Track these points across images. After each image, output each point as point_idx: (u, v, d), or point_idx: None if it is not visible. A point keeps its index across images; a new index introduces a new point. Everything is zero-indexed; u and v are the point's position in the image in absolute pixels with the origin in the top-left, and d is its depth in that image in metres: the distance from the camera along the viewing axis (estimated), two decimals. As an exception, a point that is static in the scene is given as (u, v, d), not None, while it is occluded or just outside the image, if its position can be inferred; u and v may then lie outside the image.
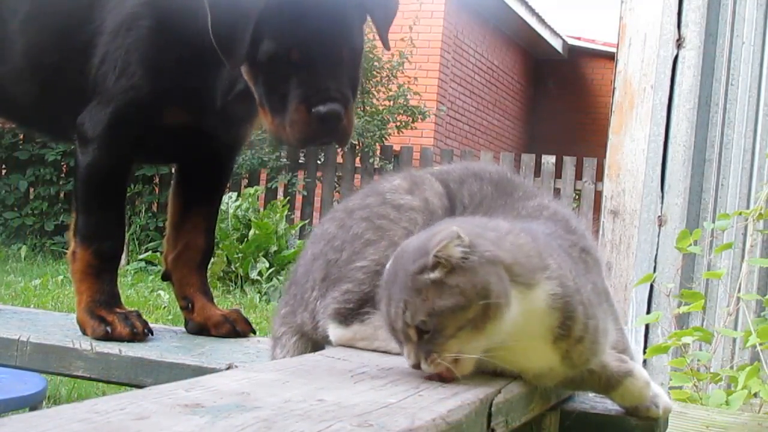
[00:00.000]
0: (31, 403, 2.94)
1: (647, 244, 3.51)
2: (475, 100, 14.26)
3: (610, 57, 11.24)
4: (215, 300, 2.32)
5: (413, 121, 10.51)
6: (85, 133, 2.08)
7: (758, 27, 3.44)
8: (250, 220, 7.31)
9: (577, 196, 9.28)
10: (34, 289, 6.26)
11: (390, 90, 10.41)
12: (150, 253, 7.92)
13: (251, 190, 7.69)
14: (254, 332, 2.25)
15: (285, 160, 9.64)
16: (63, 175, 9.32)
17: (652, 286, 3.45)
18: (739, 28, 3.46)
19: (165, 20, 2.06)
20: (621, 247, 3.59)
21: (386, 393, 1.08)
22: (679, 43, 3.49)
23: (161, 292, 6.30)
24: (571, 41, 16.42)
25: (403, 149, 9.70)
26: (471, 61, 13.97)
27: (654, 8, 3.54)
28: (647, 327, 3.48)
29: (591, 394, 1.50)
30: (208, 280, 2.32)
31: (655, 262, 3.49)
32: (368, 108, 10.05)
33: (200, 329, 2.21)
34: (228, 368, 1.75)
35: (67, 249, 2.18)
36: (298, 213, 9.50)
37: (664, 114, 3.50)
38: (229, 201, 7.32)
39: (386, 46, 2.05)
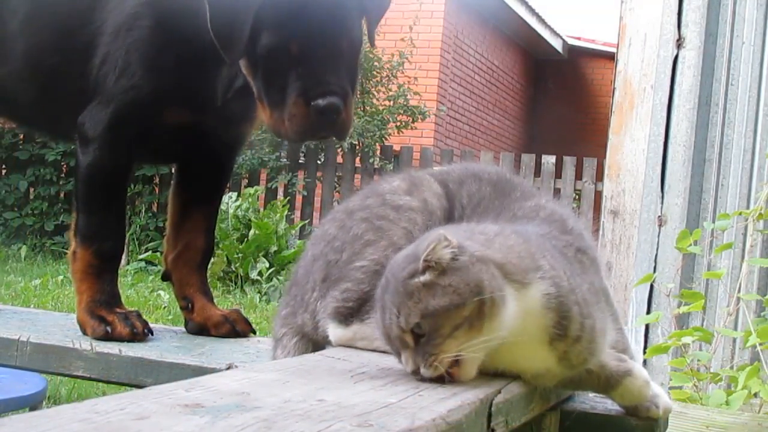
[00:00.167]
0: (31, 403, 2.94)
1: (647, 244, 3.51)
2: (475, 100, 14.26)
3: (610, 57, 11.24)
4: (215, 300, 2.32)
5: (413, 121, 10.51)
6: (86, 133, 2.08)
7: (758, 27, 3.44)
8: (250, 220, 7.31)
9: (577, 196, 9.28)
10: (34, 289, 6.26)
11: (390, 90, 10.41)
12: (150, 253, 7.92)
13: (251, 190, 7.69)
14: (254, 332, 2.25)
15: (285, 160, 9.64)
16: (63, 175, 9.33)
17: (652, 286, 3.45)
18: (739, 28, 3.46)
19: (165, 20, 2.06)
20: (621, 247, 3.59)
21: (386, 393, 1.08)
22: (679, 43, 3.49)
23: (161, 292, 6.30)
24: (571, 41, 16.42)
25: (403, 149, 9.70)
26: (471, 61, 13.98)
27: (654, 8, 3.54)
28: (647, 327, 3.48)
29: (591, 394, 1.50)
30: (208, 280, 2.32)
31: (655, 262, 3.49)
32: (368, 108, 10.05)
33: (200, 329, 2.21)
34: (228, 368, 1.75)
35: (67, 249, 2.18)
36: (298, 213, 9.50)
37: (664, 114, 3.51)
38: (229, 201, 7.32)
39: (372, 43, 2.05)
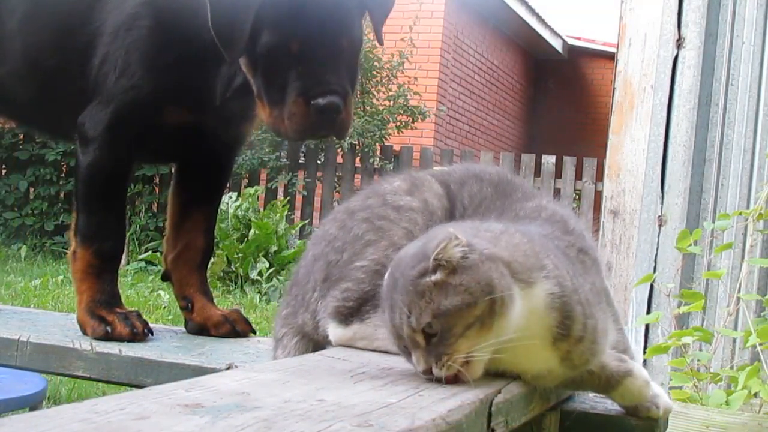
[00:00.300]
0: (31, 403, 2.94)
1: (647, 244, 3.51)
2: (475, 100, 14.26)
3: (610, 57, 11.25)
4: (215, 300, 2.32)
5: (413, 121, 10.51)
6: (86, 133, 2.08)
7: (758, 27, 3.44)
8: (250, 220, 7.31)
9: (577, 196, 9.29)
10: (34, 289, 6.27)
11: (390, 90, 10.41)
12: (150, 253, 7.92)
13: (251, 190, 7.69)
14: (254, 332, 2.25)
15: (285, 160, 9.64)
16: (63, 175, 9.33)
17: (652, 286, 3.45)
18: (739, 28, 3.46)
19: (165, 20, 2.06)
20: (621, 247, 3.59)
21: (386, 393, 1.08)
22: (679, 43, 3.49)
23: (161, 292, 6.30)
24: (571, 41, 16.42)
25: (403, 149, 9.70)
26: (471, 61, 13.98)
27: (654, 8, 3.54)
28: (647, 327, 3.48)
29: (591, 394, 1.50)
30: (208, 280, 2.32)
31: (655, 262, 3.49)
32: (368, 108, 10.05)
33: (200, 329, 2.21)
34: (228, 368, 1.75)
35: (67, 249, 2.18)
36: (298, 213, 9.50)
37: (664, 114, 3.50)
38: (229, 201, 7.32)
39: (380, 41, 2.06)
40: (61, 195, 9.27)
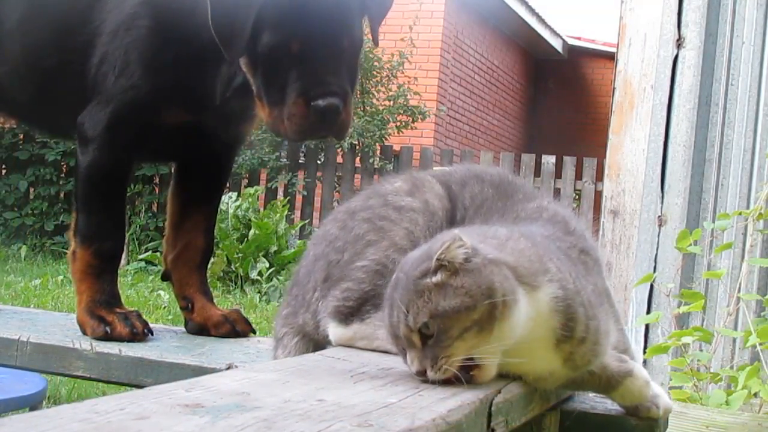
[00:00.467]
0: (31, 403, 2.94)
1: (647, 244, 3.51)
2: (475, 100, 14.26)
3: (610, 57, 11.24)
4: (215, 300, 2.32)
5: (413, 121, 10.51)
6: (85, 133, 2.08)
7: (758, 27, 3.44)
8: (250, 220, 7.31)
9: (577, 196, 9.29)
10: (34, 289, 6.27)
11: (390, 90, 10.41)
12: (150, 253, 7.92)
13: (251, 190, 7.69)
14: (254, 332, 2.25)
15: (285, 160, 9.65)
16: (63, 175, 9.33)
17: (652, 286, 3.45)
18: (739, 28, 3.46)
19: (164, 20, 2.06)
20: (621, 247, 3.59)
21: (386, 393, 1.08)
22: (679, 43, 3.49)
23: (161, 292, 6.30)
24: (571, 41, 16.42)
25: (403, 149, 9.70)
26: (471, 61, 13.98)
27: (654, 8, 3.54)
28: (647, 327, 3.48)
29: (591, 394, 1.50)
30: (208, 280, 2.32)
31: (655, 262, 3.49)
32: (368, 108, 10.05)
33: (200, 329, 2.21)
34: (228, 368, 1.75)
35: (67, 249, 2.18)
36: (298, 213, 9.50)
37: (664, 114, 3.51)
38: (229, 201, 7.32)
39: (375, 42, 2.05)
40: (61, 195, 9.27)
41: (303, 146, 9.59)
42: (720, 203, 3.46)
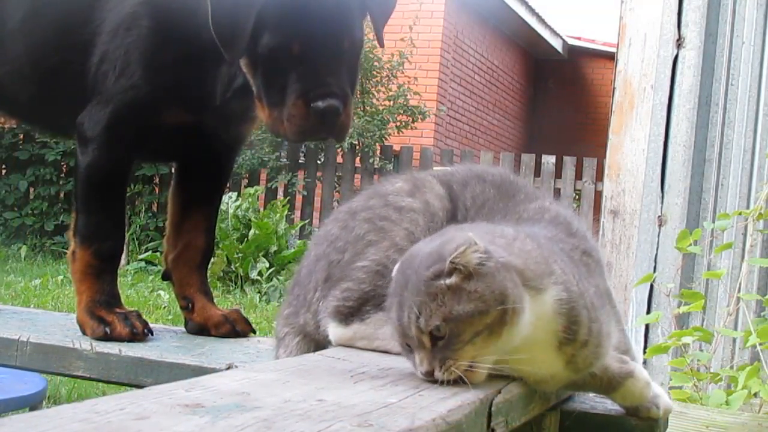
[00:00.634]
0: (31, 403, 2.94)
1: (647, 244, 3.51)
2: (475, 100, 14.26)
3: (610, 57, 11.24)
4: (215, 300, 2.32)
5: (413, 121, 10.51)
6: (85, 133, 2.08)
7: (758, 27, 3.44)
8: (250, 220, 7.31)
9: (577, 196, 9.29)
10: (34, 289, 6.27)
11: (390, 90, 10.41)
12: (150, 253, 7.92)
13: (251, 190, 7.69)
14: (254, 332, 2.25)
15: (285, 160, 9.65)
16: (63, 175, 9.33)
17: (652, 286, 3.45)
18: (739, 28, 3.46)
19: (164, 20, 2.06)
20: (621, 247, 3.59)
21: (386, 393, 1.08)
22: (679, 43, 3.49)
23: (161, 292, 6.30)
24: (571, 41, 16.42)
25: (403, 149, 9.70)
26: (471, 61, 13.98)
27: (654, 8, 3.54)
28: (647, 327, 3.48)
29: (591, 394, 1.50)
30: (208, 280, 2.32)
31: (655, 262, 3.49)
32: (368, 108, 10.05)
33: (200, 329, 2.21)
34: (228, 368, 1.75)
35: (67, 249, 2.18)
36: (298, 213, 9.50)
37: (664, 114, 3.51)
38: (229, 201, 7.32)
39: (381, 43, 2.05)
40: (61, 195, 9.27)
41: (303, 146, 9.59)
42: (720, 203, 3.46)
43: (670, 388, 2.77)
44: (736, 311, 3.12)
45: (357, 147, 9.65)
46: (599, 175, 7.72)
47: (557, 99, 16.49)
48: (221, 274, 7.10)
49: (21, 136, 9.34)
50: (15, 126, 8.73)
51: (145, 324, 2.06)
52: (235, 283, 7.08)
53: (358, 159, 9.68)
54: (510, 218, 1.42)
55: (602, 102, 15.17)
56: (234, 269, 7.12)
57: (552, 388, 1.31)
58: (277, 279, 7.03)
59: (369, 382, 1.14)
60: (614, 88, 3.63)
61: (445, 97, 13.00)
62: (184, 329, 2.25)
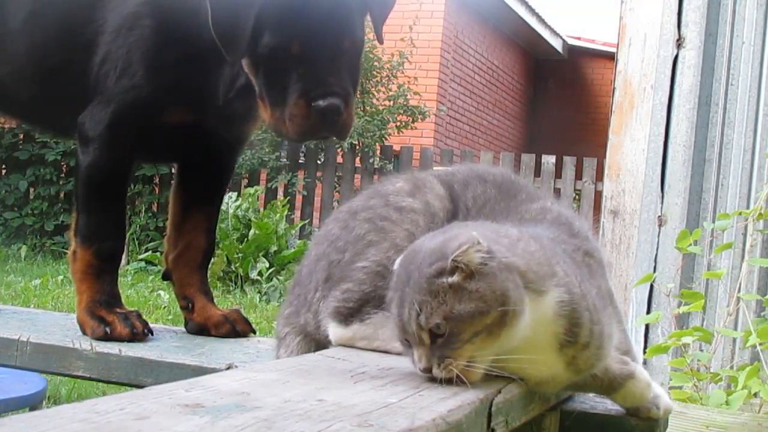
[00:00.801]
0: (31, 403, 2.94)
1: (647, 244, 3.51)
2: (475, 100, 14.26)
3: (610, 57, 11.24)
4: (215, 300, 2.32)
5: (413, 121, 10.51)
6: (86, 133, 2.08)
7: (758, 27, 3.44)
8: (250, 220, 7.31)
9: (577, 196, 9.29)
10: (34, 289, 6.27)
11: (390, 90, 10.41)
12: (150, 253, 7.92)
13: (251, 190, 7.69)
14: (254, 332, 2.25)
15: (285, 160, 9.65)
16: (63, 175, 9.33)
17: (652, 286, 3.45)
18: (739, 28, 3.46)
19: (166, 20, 2.06)
20: (621, 247, 3.59)
21: (386, 393, 1.08)
22: (679, 43, 3.49)
23: (161, 292, 6.30)
24: (571, 41, 16.42)
25: (403, 149, 9.70)
26: (471, 61, 13.98)
27: (654, 8, 3.54)
28: (647, 327, 3.48)
29: (591, 395, 1.50)
30: (209, 280, 2.32)
31: (655, 262, 3.49)
32: (368, 108, 10.05)
33: (200, 329, 2.21)
34: (228, 368, 1.75)
35: (67, 249, 2.18)
36: (298, 213, 9.50)
37: (664, 114, 3.51)
38: (229, 201, 7.32)
39: (380, 40, 2.05)
40: (61, 195, 9.27)
41: (303, 146, 9.60)
42: (720, 203, 3.46)
43: (670, 388, 2.77)
44: (736, 311, 3.12)
45: (357, 147, 9.65)
46: (599, 175, 7.72)
47: (557, 99, 16.50)
48: (221, 274, 7.10)
49: (21, 136, 9.34)
50: (15, 126, 8.73)
51: (145, 324, 2.06)
52: (235, 283, 7.08)
53: (358, 159, 9.68)
54: (512, 219, 1.42)
55: (602, 102, 15.17)
56: (234, 269, 7.12)
57: (553, 389, 1.31)
58: (277, 279, 7.03)
59: (369, 382, 1.14)
60: (614, 88, 3.63)
61: (445, 97, 13.00)
62: (184, 329, 2.25)
